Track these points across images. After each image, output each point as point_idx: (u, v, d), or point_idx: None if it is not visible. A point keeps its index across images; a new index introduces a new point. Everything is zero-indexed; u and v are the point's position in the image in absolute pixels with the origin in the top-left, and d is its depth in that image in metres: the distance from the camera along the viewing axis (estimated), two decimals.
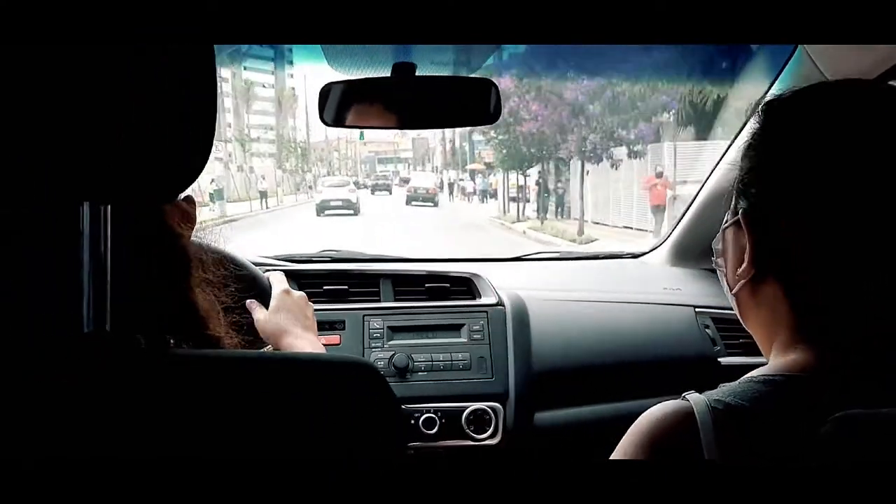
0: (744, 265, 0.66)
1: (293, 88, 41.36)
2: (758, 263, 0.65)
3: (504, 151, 15.46)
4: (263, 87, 37.81)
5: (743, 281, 0.67)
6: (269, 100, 38.54)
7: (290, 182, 30.79)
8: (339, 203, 18.73)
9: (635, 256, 2.07)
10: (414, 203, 21.49)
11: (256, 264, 1.24)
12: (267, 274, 1.19)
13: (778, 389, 0.60)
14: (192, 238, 0.71)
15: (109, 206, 0.49)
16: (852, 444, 0.51)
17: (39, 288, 0.50)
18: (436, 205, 21.51)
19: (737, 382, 0.63)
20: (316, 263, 1.76)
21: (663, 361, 1.52)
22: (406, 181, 30.06)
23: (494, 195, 20.97)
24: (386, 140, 49.62)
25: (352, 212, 18.48)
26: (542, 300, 1.60)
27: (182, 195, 0.68)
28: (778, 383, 0.61)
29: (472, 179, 25.26)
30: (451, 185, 27.15)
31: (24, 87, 0.43)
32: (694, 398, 0.61)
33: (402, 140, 47.99)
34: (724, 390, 0.62)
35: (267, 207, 21.63)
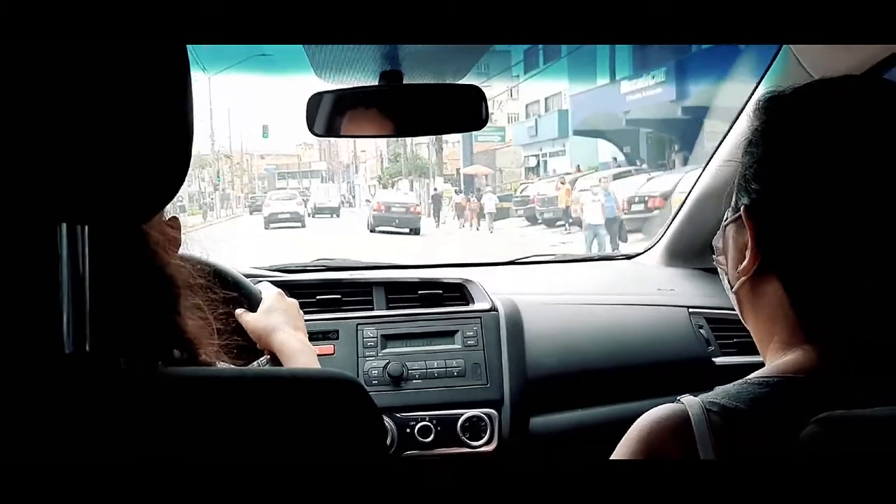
0: (745, 262, 0.66)
1: None
2: (759, 259, 0.65)
3: None
4: None
5: (744, 278, 0.67)
6: None
7: None
8: (287, 215, 19.00)
9: (629, 258, 2.07)
10: (381, 229, 15.67)
11: (248, 276, 1.24)
12: (258, 285, 1.19)
13: (774, 391, 0.60)
14: (182, 252, 0.70)
15: (87, 227, 0.48)
16: (835, 445, 0.51)
17: (19, 309, 0.49)
18: (417, 232, 15.77)
19: (732, 385, 0.62)
20: (309, 273, 1.76)
21: (658, 363, 1.52)
22: None
23: (565, 220, 12.04)
24: (287, 153, 43.74)
25: (299, 224, 18.58)
26: (535, 304, 1.60)
27: (167, 216, 0.67)
28: (774, 385, 0.61)
29: (470, 189, 18.22)
30: (435, 199, 18.66)
31: None
32: (688, 401, 0.61)
33: (308, 152, 42.19)
34: (719, 392, 0.62)
35: None
